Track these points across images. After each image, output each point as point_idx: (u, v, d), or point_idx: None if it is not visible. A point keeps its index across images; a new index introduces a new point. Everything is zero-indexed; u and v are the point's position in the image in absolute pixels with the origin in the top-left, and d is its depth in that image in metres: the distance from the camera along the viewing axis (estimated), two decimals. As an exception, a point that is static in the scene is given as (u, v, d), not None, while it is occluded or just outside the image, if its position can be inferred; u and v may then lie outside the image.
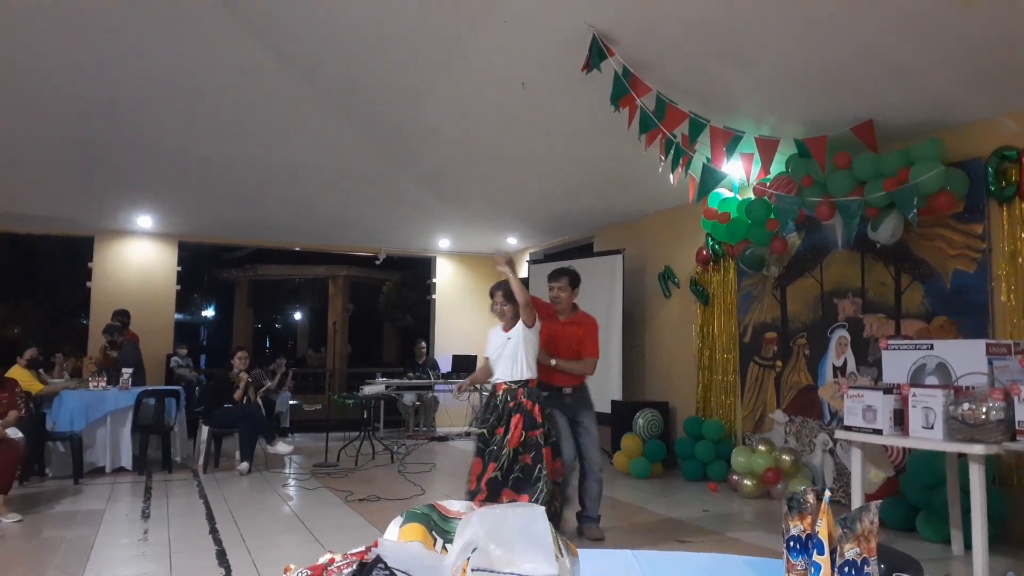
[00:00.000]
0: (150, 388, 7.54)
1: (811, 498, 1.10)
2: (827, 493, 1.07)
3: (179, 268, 10.35)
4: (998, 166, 4.65)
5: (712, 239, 7.04)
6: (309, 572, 1.05)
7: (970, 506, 3.59)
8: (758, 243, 6.23)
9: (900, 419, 3.89)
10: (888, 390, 3.97)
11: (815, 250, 6.13)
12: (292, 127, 6.85)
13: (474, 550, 0.98)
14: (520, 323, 4.39)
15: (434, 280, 11.86)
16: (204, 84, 6.04)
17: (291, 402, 10.42)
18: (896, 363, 4.21)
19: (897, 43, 4.20)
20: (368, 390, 8.64)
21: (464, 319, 11.24)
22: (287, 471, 7.28)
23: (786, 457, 5.98)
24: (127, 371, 7.26)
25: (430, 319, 11.96)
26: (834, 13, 4.03)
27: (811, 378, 6.14)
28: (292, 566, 1.08)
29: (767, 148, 5.17)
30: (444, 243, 11.16)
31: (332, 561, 1.07)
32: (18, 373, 6.52)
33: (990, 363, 3.74)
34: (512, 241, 10.95)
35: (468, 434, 9.67)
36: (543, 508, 1.04)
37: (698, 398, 7.36)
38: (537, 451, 4.20)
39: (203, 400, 7.86)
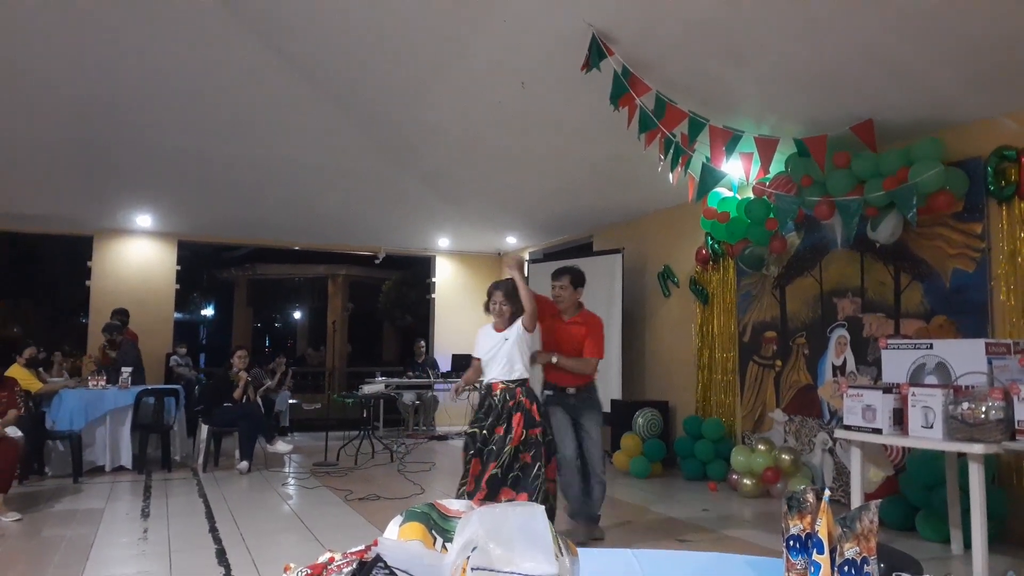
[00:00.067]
0: (149, 387, 7.54)
1: (811, 497, 1.10)
2: (827, 492, 1.07)
3: (178, 267, 10.35)
4: (997, 166, 4.65)
5: (711, 238, 7.04)
6: (309, 571, 1.05)
7: (969, 505, 3.59)
8: (757, 242, 6.23)
9: (899, 418, 3.90)
10: (887, 389, 3.97)
11: (814, 249, 6.13)
12: (292, 126, 6.85)
13: (474, 549, 0.98)
14: (518, 325, 4.38)
15: (433, 279, 11.86)
16: (204, 83, 6.04)
17: (290, 401, 10.43)
18: (895, 362, 4.21)
19: (897, 43, 4.20)
20: (367, 389, 8.64)
21: (464, 318, 11.22)
22: (287, 470, 7.28)
23: (785, 456, 5.98)
24: (126, 370, 7.26)
25: (429, 318, 11.96)
26: (834, 12, 4.03)
27: (810, 377, 6.14)
28: (292, 565, 1.08)
29: (766, 147, 5.17)
30: (444, 242, 11.17)
31: (332, 560, 1.07)
32: (17, 372, 6.53)
33: (989, 362, 3.74)
34: (512, 240, 10.95)
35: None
36: (543, 507, 1.04)
37: (698, 397, 7.36)
38: (537, 449, 4.22)
39: (203, 399, 7.87)
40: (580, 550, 1.14)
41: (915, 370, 4.09)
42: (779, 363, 6.48)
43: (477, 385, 4.66)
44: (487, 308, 4.53)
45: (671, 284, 7.86)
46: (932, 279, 5.12)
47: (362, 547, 1.07)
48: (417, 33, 5.10)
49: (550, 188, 7.91)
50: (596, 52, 4.58)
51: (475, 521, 1.02)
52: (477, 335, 4.58)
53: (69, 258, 13.32)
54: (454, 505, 1.15)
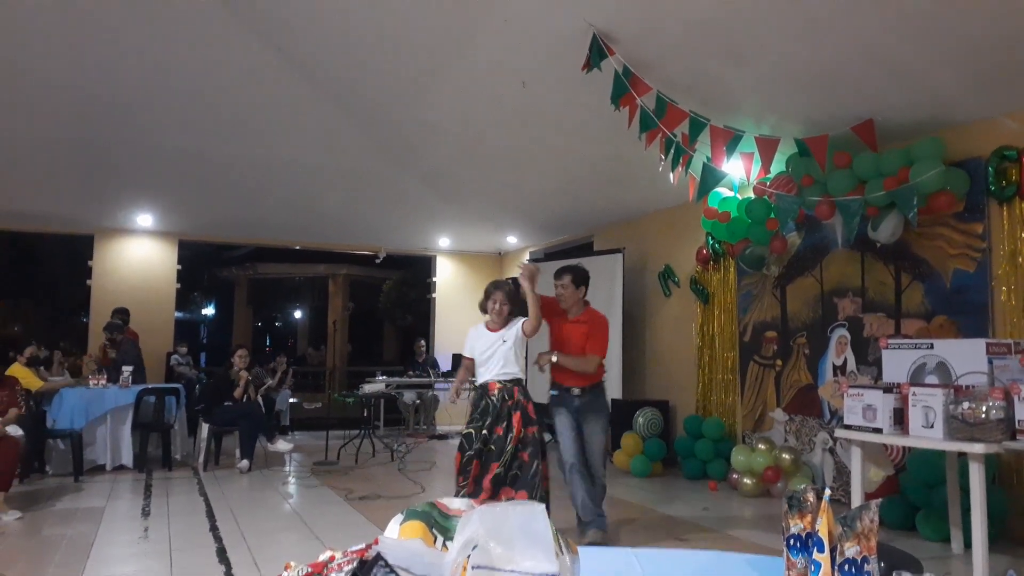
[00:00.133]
0: (150, 386, 7.55)
1: (811, 497, 1.10)
2: (827, 492, 1.07)
3: (179, 266, 10.35)
4: (998, 166, 4.65)
5: (712, 238, 7.04)
6: (310, 569, 1.06)
7: (970, 505, 3.59)
8: (758, 242, 6.23)
9: (900, 418, 3.90)
10: (888, 389, 3.97)
11: (815, 249, 6.13)
12: (292, 126, 6.85)
13: (474, 548, 0.98)
14: (517, 329, 4.41)
15: (434, 279, 11.86)
16: (204, 83, 6.05)
17: (291, 400, 10.43)
18: (896, 362, 4.21)
19: (897, 43, 4.20)
20: (368, 388, 8.64)
21: (464, 318, 11.19)
22: (287, 469, 7.29)
23: (786, 456, 5.98)
24: (127, 369, 7.26)
25: (430, 318, 11.97)
26: (834, 12, 4.03)
27: (811, 377, 6.14)
28: (292, 563, 1.08)
29: (767, 147, 5.17)
30: (444, 242, 11.17)
31: (332, 559, 1.07)
32: (18, 371, 6.53)
33: (990, 362, 3.74)
34: (512, 240, 10.95)
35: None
36: (543, 506, 1.04)
37: (698, 397, 7.36)
38: (535, 447, 4.27)
39: (203, 398, 7.87)
40: (580, 549, 1.14)
41: (916, 370, 4.09)
42: (779, 363, 6.47)
43: (470, 385, 4.65)
44: (484, 307, 4.54)
45: (672, 284, 7.86)
46: (933, 279, 5.12)
47: (363, 546, 1.07)
48: (417, 33, 5.10)
49: (551, 188, 7.91)
50: (597, 52, 4.58)
51: (476, 520, 1.02)
52: (469, 335, 4.58)
53: (70, 257, 13.33)
54: (455, 504, 1.15)
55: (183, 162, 7.50)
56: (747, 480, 6.11)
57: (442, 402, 10.58)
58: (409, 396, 10.41)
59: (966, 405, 3.56)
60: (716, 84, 4.98)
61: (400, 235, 10.73)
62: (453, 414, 10.31)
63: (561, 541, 1.04)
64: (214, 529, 4.85)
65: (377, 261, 11.80)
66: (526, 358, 4.64)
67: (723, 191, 6.47)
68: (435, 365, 10.67)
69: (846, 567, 1.00)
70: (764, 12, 4.14)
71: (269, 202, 8.85)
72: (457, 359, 10.50)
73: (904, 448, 4.94)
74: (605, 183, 7.48)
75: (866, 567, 0.99)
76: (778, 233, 6.06)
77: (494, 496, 4.10)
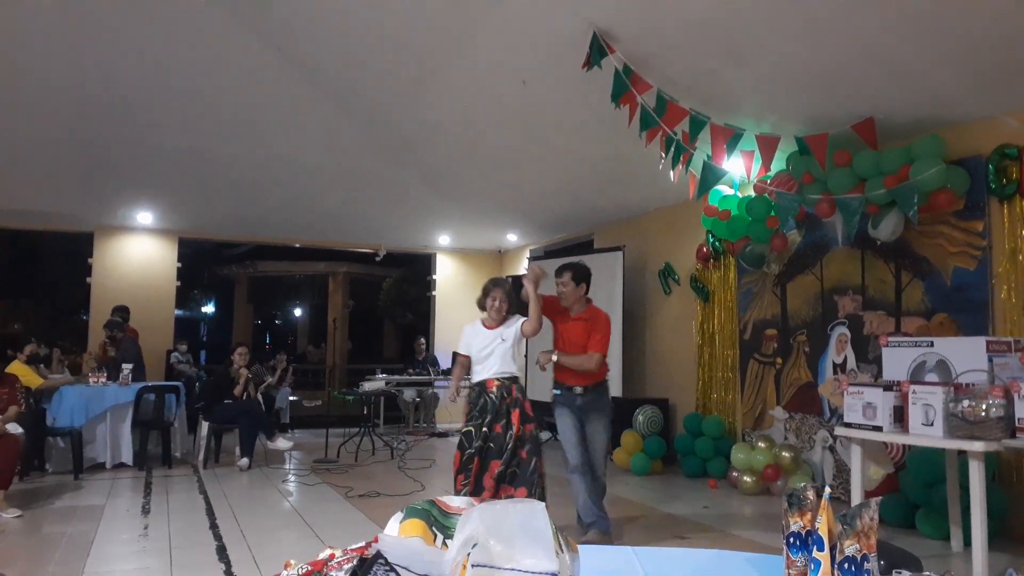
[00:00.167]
0: (150, 384, 7.55)
1: (811, 494, 1.10)
2: (827, 490, 1.07)
3: (179, 264, 10.35)
4: (999, 164, 4.64)
5: (712, 236, 7.04)
6: (309, 568, 1.06)
7: (970, 503, 3.59)
8: (758, 240, 6.23)
9: (900, 416, 3.90)
10: (888, 387, 3.97)
11: (815, 247, 6.13)
12: (292, 124, 6.85)
13: (474, 546, 0.98)
14: (516, 328, 4.43)
15: (434, 277, 11.86)
16: (204, 81, 6.04)
17: (291, 398, 10.44)
18: (896, 360, 4.22)
19: (897, 41, 4.20)
20: (368, 386, 8.64)
21: (464, 316, 11.13)
22: (287, 467, 7.29)
23: (786, 454, 5.98)
24: (127, 367, 7.26)
25: (430, 316, 11.97)
26: (834, 11, 4.02)
27: (811, 375, 6.14)
28: (292, 561, 1.08)
29: (767, 145, 5.17)
30: (444, 240, 11.16)
31: (332, 556, 1.07)
32: (18, 368, 6.53)
33: (990, 360, 3.74)
34: (512, 238, 10.95)
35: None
36: (543, 504, 1.04)
37: (698, 395, 7.36)
38: (532, 444, 4.30)
39: (203, 396, 7.87)
40: (581, 547, 1.14)
41: (916, 368, 4.09)
42: (780, 361, 6.47)
43: (467, 382, 4.64)
44: (482, 305, 4.54)
45: (672, 282, 7.86)
46: (933, 277, 5.12)
47: (363, 544, 1.07)
48: (417, 32, 5.10)
49: (551, 186, 7.91)
50: (597, 50, 4.57)
51: (476, 518, 1.02)
52: (464, 332, 4.57)
53: (70, 255, 13.31)
54: (454, 502, 1.15)
55: (183, 160, 7.50)
56: (747, 478, 6.12)
57: (442, 400, 10.58)
58: (409, 394, 10.41)
59: (966, 403, 3.56)
60: (716, 82, 4.98)
61: (400, 233, 10.73)
62: (453, 412, 10.31)
63: (561, 539, 1.04)
64: (214, 527, 4.86)
65: (377, 259, 11.80)
66: (526, 356, 4.65)
67: (723, 189, 6.47)
68: (435, 363, 10.68)
69: (846, 565, 0.99)
70: (764, 11, 4.14)
71: (269, 200, 8.85)
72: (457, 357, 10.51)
73: (904, 446, 4.95)
74: (605, 181, 7.47)
75: (866, 565, 0.99)
76: (778, 231, 6.06)
77: (496, 494, 4.11)
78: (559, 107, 5.84)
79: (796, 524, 1.09)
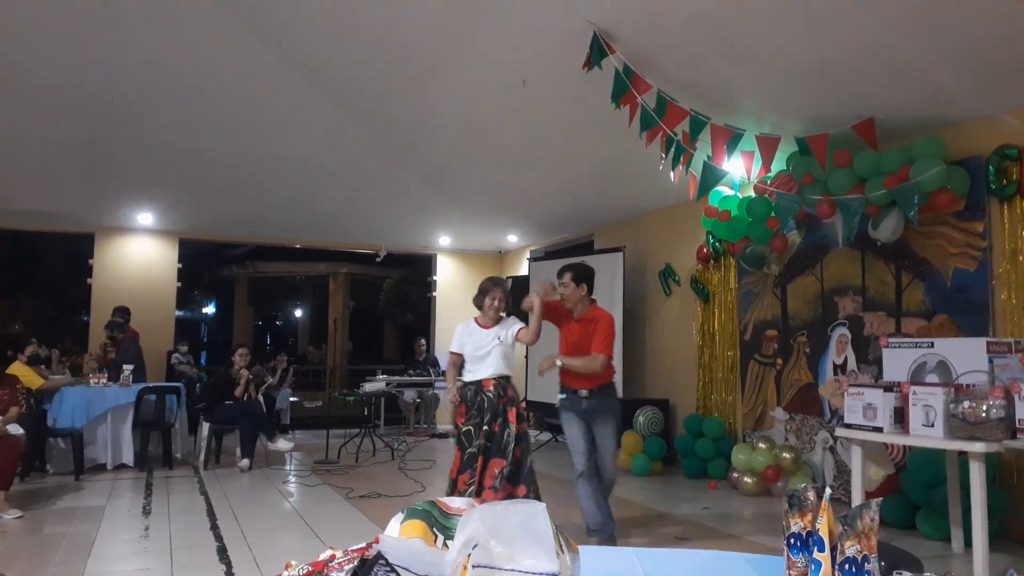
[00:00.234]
0: (151, 385, 7.55)
1: (811, 495, 1.10)
2: (827, 491, 1.07)
3: (180, 265, 10.35)
4: (999, 164, 4.64)
5: (713, 237, 7.04)
6: (310, 568, 1.06)
7: (970, 504, 3.59)
8: (758, 241, 6.23)
9: (900, 417, 3.90)
10: (888, 388, 3.97)
11: (816, 248, 6.13)
12: (293, 124, 6.85)
13: (475, 547, 0.98)
14: (514, 332, 4.46)
15: (434, 277, 11.86)
16: (205, 80, 6.04)
17: (292, 399, 10.43)
18: (896, 361, 4.21)
19: (898, 41, 4.20)
20: (368, 387, 8.64)
21: (464, 316, 11.15)
22: (288, 468, 7.29)
23: (786, 455, 5.98)
24: (128, 368, 7.27)
25: (430, 316, 11.97)
26: (835, 11, 4.02)
27: (811, 376, 6.14)
28: (293, 562, 1.08)
29: (768, 146, 5.17)
30: (445, 240, 11.17)
31: (333, 557, 1.07)
32: (19, 369, 6.53)
33: (990, 361, 3.74)
34: (513, 239, 10.95)
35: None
36: (544, 505, 1.04)
37: (698, 396, 7.36)
38: (526, 443, 4.39)
39: (204, 397, 7.87)
40: (581, 548, 1.14)
41: (916, 369, 4.09)
42: (780, 361, 6.47)
43: (459, 381, 4.63)
44: (479, 303, 4.55)
45: (672, 282, 7.86)
46: (933, 278, 5.11)
47: (363, 544, 1.07)
48: (418, 31, 5.10)
49: (551, 186, 7.91)
50: (597, 50, 4.57)
51: (476, 519, 1.02)
52: (458, 330, 4.58)
53: (70, 256, 13.32)
54: (455, 503, 1.15)
55: (183, 160, 7.50)
56: (747, 479, 6.12)
57: (442, 401, 10.58)
58: (409, 395, 10.41)
59: (966, 404, 3.56)
60: (717, 83, 4.98)
61: (401, 234, 10.73)
62: (452, 413, 10.33)
63: (561, 540, 1.04)
64: (215, 528, 4.86)
65: (378, 260, 11.80)
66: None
67: (723, 190, 6.47)
68: (435, 364, 10.68)
69: (846, 566, 1.00)
70: (765, 11, 4.14)
71: (270, 200, 8.85)
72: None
73: (904, 447, 4.94)
74: (605, 182, 7.48)
75: (866, 566, 0.99)
76: (778, 232, 6.06)
77: (504, 494, 4.19)
78: (559, 107, 5.84)
79: (797, 525, 1.09)
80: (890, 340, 4.32)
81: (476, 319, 4.58)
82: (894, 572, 1.12)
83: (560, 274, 4.65)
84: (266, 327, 27.31)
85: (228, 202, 8.95)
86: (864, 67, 4.51)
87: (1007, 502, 4.45)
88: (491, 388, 4.38)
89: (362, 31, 5.24)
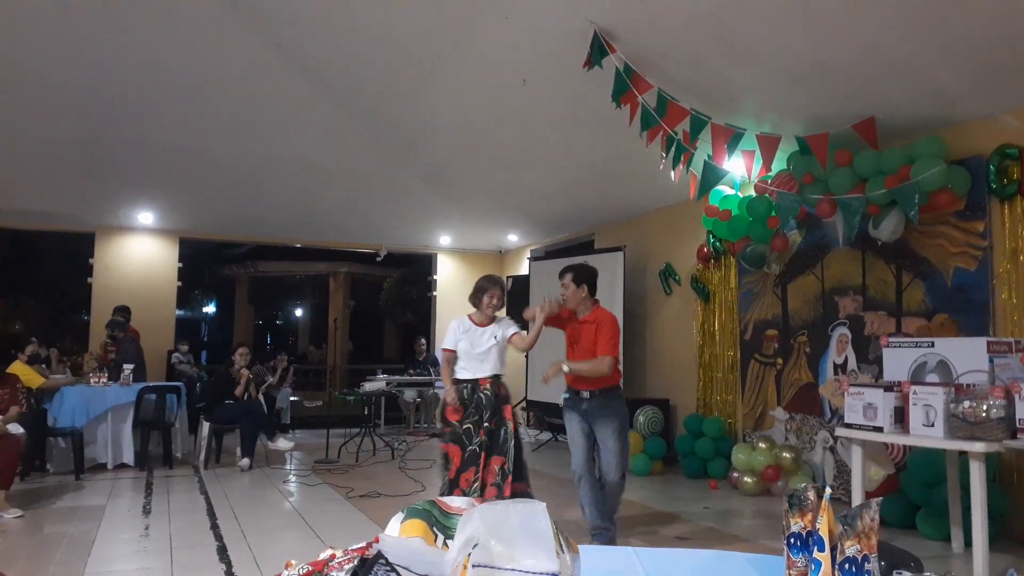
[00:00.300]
0: (151, 384, 7.55)
1: (812, 495, 1.10)
2: (827, 490, 1.07)
3: (180, 264, 10.35)
4: (1000, 164, 4.64)
5: (713, 236, 7.04)
6: (310, 568, 1.06)
7: (970, 504, 3.59)
8: (759, 240, 6.23)
9: (901, 417, 3.89)
10: (889, 388, 3.97)
11: (816, 247, 6.12)
12: (293, 123, 6.85)
13: (475, 546, 0.98)
14: (508, 333, 4.53)
15: (435, 277, 11.86)
16: (205, 80, 6.04)
17: (292, 398, 10.43)
18: (897, 361, 4.21)
19: (898, 40, 4.20)
20: (369, 387, 8.65)
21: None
22: (288, 467, 7.29)
23: (786, 454, 5.98)
24: (128, 367, 7.27)
25: (431, 316, 11.97)
26: (836, 10, 4.02)
27: (812, 375, 6.14)
28: (293, 562, 1.08)
29: (768, 145, 5.17)
30: (445, 240, 11.17)
31: (333, 557, 1.07)
32: (19, 369, 6.53)
33: (991, 361, 3.74)
34: (513, 238, 10.95)
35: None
36: (544, 504, 1.04)
37: (698, 395, 7.36)
38: (518, 440, 4.46)
39: (204, 396, 7.88)
40: (581, 547, 1.14)
41: (916, 368, 4.09)
42: (780, 361, 6.47)
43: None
44: (477, 301, 4.56)
45: (672, 282, 7.86)
46: (934, 277, 5.11)
47: (363, 544, 1.07)
48: (418, 31, 5.10)
49: (552, 186, 7.91)
50: (598, 49, 4.57)
51: (476, 518, 1.02)
52: (452, 327, 4.59)
53: (71, 255, 13.32)
54: (455, 502, 1.15)
55: (184, 160, 7.50)
56: (747, 479, 6.12)
57: (442, 400, 10.56)
58: (410, 394, 10.41)
59: (967, 404, 3.56)
60: (717, 82, 4.98)
61: (401, 233, 10.73)
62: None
63: (562, 539, 1.04)
64: (215, 527, 4.86)
65: (378, 259, 11.81)
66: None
67: (724, 189, 6.47)
68: (436, 363, 10.66)
69: (846, 566, 0.99)
70: (765, 10, 4.14)
71: (270, 200, 8.85)
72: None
73: (905, 447, 4.94)
74: (606, 181, 7.47)
75: (866, 566, 0.99)
76: (779, 231, 6.06)
77: (509, 491, 4.27)
78: (560, 107, 5.84)
79: (797, 525, 1.09)
80: (890, 340, 4.32)
81: (471, 316, 4.60)
82: (894, 572, 1.12)
83: (561, 275, 4.64)
84: (266, 326, 27.33)
85: (228, 202, 8.95)
86: (864, 67, 4.51)
87: (1007, 502, 4.45)
88: (488, 386, 4.43)
89: (362, 31, 5.24)
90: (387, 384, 9.15)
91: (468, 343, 4.49)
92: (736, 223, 6.37)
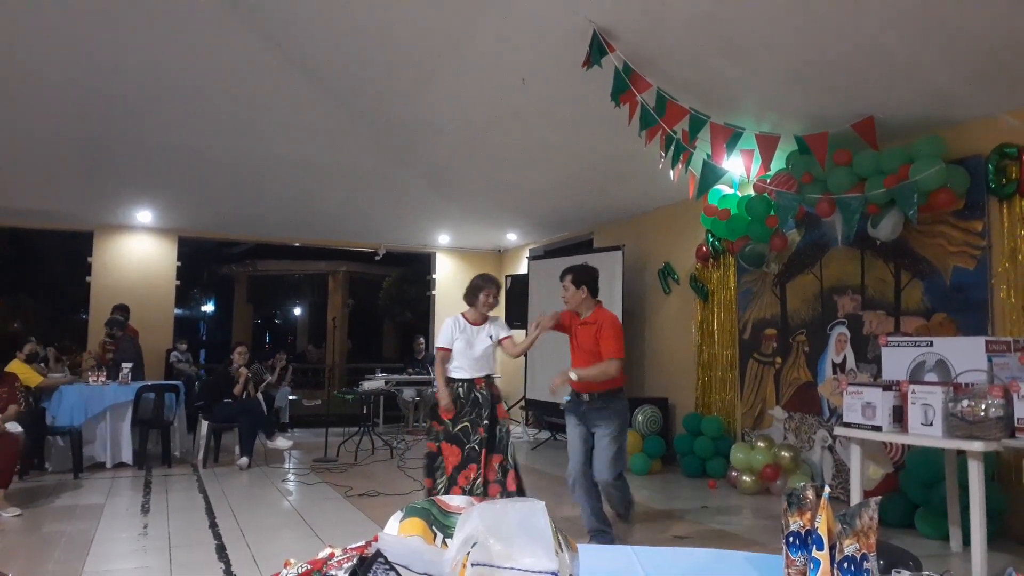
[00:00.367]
0: (150, 383, 7.55)
1: (810, 494, 1.10)
2: (826, 489, 1.07)
3: (179, 263, 10.34)
4: (998, 163, 4.64)
5: (712, 235, 7.04)
6: (309, 566, 1.06)
7: (969, 503, 3.59)
8: (758, 240, 6.23)
9: (899, 416, 3.90)
10: (887, 387, 3.97)
11: (815, 247, 6.13)
12: (292, 122, 6.84)
13: (474, 545, 0.98)
14: (500, 332, 4.64)
15: (434, 276, 11.86)
16: (204, 79, 6.04)
17: (290, 397, 10.44)
18: (895, 360, 4.22)
19: (898, 40, 4.20)
20: (367, 386, 8.64)
21: (464, 315, 11.21)
22: (287, 466, 7.29)
23: (785, 453, 5.98)
24: (126, 366, 7.27)
25: (430, 315, 11.97)
26: (835, 9, 4.02)
27: (810, 375, 6.14)
28: (292, 560, 1.08)
29: (767, 145, 5.17)
30: (444, 239, 11.17)
31: (332, 555, 1.07)
32: (17, 367, 6.53)
33: (989, 360, 3.74)
34: (512, 237, 10.95)
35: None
36: (543, 503, 1.04)
37: (697, 394, 7.36)
38: (509, 437, 4.56)
39: (203, 395, 7.87)
40: (580, 546, 1.14)
41: (915, 367, 4.09)
42: (779, 360, 6.48)
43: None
44: (473, 300, 4.59)
45: (671, 281, 7.86)
46: (932, 277, 5.12)
47: (362, 543, 1.07)
48: (417, 30, 5.10)
49: (551, 185, 7.91)
50: (597, 49, 4.57)
51: (475, 517, 1.02)
52: (447, 325, 4.61)
53: (69, 254, 13.31)
54: (454, 501, 1.15)
55: (183, 159, 7.50)
56: (746, 478, 6.12)
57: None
58: (408, 393, 10.40)
59: (965, 403, 3.56)
60: (716, 81, 4.98)
61: (400, 232, 10.73)
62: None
63: (561, 538, 1.04)
64: (213, 526, 4.86)
65: (377, 258, 11.80)
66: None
67: (723, 188, 6.47)
68: (434, 362, 10.66)
69: (845, 564, 1.00)
70: (765, 9, 4.14)
71: (269, 199, 8.85)
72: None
73: (903, 446, 4.95)
74: (605, 180, 7.47)
75: (865, 564, 0.99)
76: (778, 230, 6.06)
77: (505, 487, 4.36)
78: (559, 106, 5.84)
79: (796, 523, 1.09)
80: (889, 339, 4.33)
81: (464, 315, 4.63)
82: (893, 571, 1.12)
83: (562, 277, 4.62)
84: (265, 325, 27.33)
85: (227, 201, 8.95)
86: (864, 67, 4.51)
87: (1005, 501, 4.45)
88: (483, 386, 4.52)
89: (362, 31, 5.23)
90: (386, 383, 9.15)
91: (464, 342, 4.52)
92: (735, 222, 6.37)
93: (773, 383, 6.52)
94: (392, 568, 0.98)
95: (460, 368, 4.52)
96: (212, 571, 3.90)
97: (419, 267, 14.79)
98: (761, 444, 6.16)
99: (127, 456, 6.98)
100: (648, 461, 6.95)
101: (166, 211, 9.38)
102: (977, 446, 3.50)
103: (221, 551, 4.26)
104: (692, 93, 4.95)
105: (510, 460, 4.46)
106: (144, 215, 9.44)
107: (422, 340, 11.20)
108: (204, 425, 7.24)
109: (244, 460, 7.05)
